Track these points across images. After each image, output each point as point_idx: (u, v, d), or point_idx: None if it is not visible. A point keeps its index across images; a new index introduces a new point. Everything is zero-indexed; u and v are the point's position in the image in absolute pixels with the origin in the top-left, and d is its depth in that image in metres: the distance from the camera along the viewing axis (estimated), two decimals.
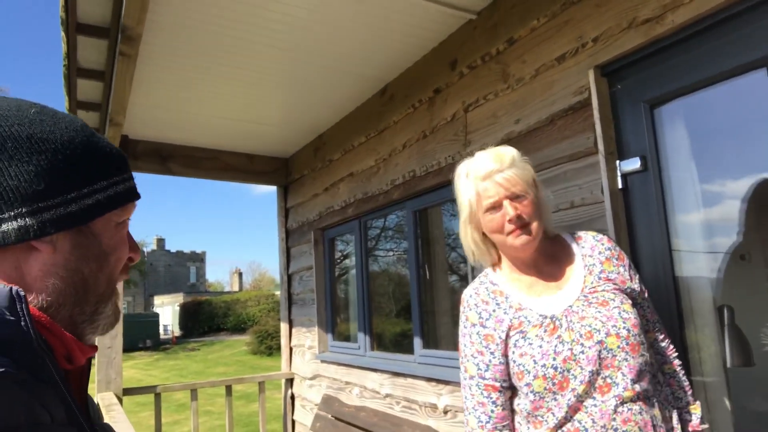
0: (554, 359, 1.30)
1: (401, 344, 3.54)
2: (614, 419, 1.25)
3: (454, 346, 2.36)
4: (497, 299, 1.45)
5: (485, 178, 1.41)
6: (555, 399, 1.30)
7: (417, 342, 3.13)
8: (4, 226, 0.64)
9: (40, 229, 0.66)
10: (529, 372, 1.32)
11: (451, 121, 2.72)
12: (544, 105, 2.16)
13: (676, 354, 1.50)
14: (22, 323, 0.61)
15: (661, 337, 1.50)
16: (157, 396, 4.13)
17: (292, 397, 4.69)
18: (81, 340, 0.71)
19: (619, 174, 1.90)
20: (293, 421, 4.65)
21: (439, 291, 3.23)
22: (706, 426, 1.45)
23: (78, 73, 3.06)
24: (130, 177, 0.77)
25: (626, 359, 1.29)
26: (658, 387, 1.38)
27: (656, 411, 1.31)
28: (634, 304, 1.41)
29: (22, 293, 0.61)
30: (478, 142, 2.51)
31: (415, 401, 3.00)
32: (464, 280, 3.15)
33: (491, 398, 1.39)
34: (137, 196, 0.77)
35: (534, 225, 1.40)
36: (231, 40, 2.74)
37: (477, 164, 1.45)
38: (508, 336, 1.39)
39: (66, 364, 0.68)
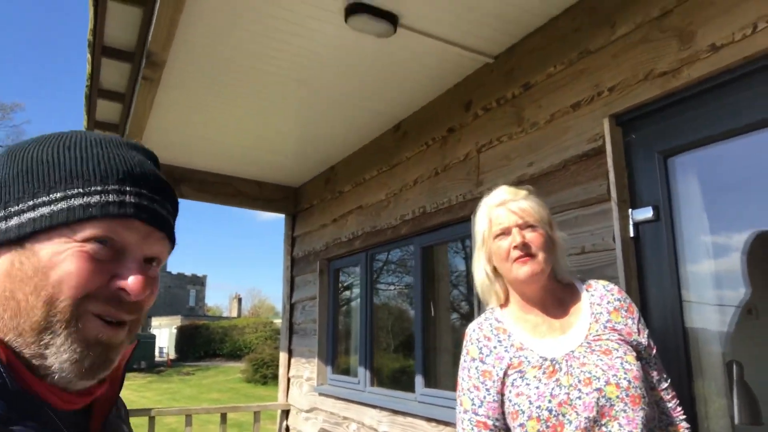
0: (550, 402, 1.28)
1: (401, 381, 3.49)
2: None
3: (455, 386, 2.32)
4: (500, 336, 1.44)
5: (499, 206, 1.46)
6: None
7: (418, 380, 3.09)
8: None
9: None
10: (523, 412, 1.31)
11: (463, 161, 2.75)
12: (558, 150, 2.18)
13: (684, 417, 1.46)
14: (5, 374, 0.57)
15: (669, 396, 1.46)
16: (151, 419, 4.07)
17: (287, 429, 4.61)
18: (52, 383, 0.62)
19: (631, 222, 1.91)
20: None
21: (442, 329, 3.21)
22: None
23: (99, 93, 3.13)
24: (103, 191, 0.64)
25: (625, 410, 1.26)
26: None
27: None
28: (640, 358, 1.39)
29: None
30: (489, 183, 2.53)
31: None
32: (467, 319, 3.13)
33: None
34: (124, 214, 0.64)
35: (540, 257, 1.40)
36: (250, 69, 2.79)
37: (493, 194, 1.51)
38: (506, 374, 1.37)
39: (61, 404, 0.63)
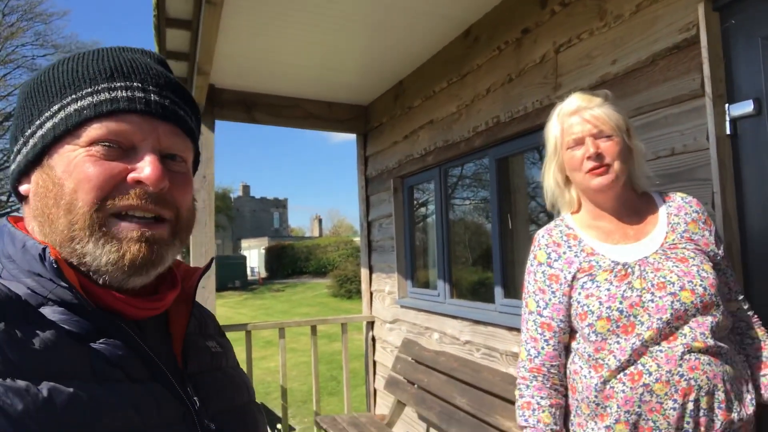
0: (621, 303, 1.30)
1: (480, 293, 3.53)
2: (680, 365, 1.23)
3: None
4: (569, 242, 1.45)
5: (572, 114, 1.42)
6: (618, 342, 1.29)
7: (498, 291, 3.11)
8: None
9: (17, 175, 0.67)
10: (593, 313, 1.33)
11: (539, 63, 2.58)
12: (645, 44, 1.99)
13: (761, 323, 1.45)
14: (72, 290, 0.59)
15: (746, 306, 1.45)
16: (248, 333, 4.40)
17: (373, 339, 4.85)
18: (120, 286, 0.65)
19: (728, 118, 1.74)
20: (374, 362, 4.82)
21: (519, 241, 3.17)
22: None
23: (167, 23, 3.16)
24: (95, 92, 0.64)
25: (697, 316, 1.26)
26: (735, 352, 1.33)
27: (729, 368, 1.27)
28: (715, 268, 1.36)
29: (56, 265, 0.59)
30: (569, 85, 2.37)
31: (496, 349, 3.01)
32: None
33: (544, 336, 1.43)
34: (123, 108, 0.64)
35: (615, 166, 1.37)
36: None
37: (567, 102, 1.46)
38: (575, 278, 1.39)
39: (134, 312, 0.66)
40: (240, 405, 0.78)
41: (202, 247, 4.20)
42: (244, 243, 49.76)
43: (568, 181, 1.50)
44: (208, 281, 4.23)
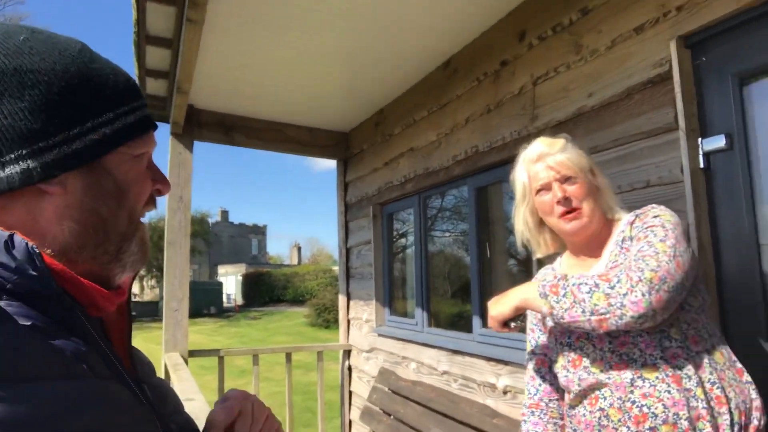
0: (569, 337, 1.37)
1: (458, 324, 3.51)
2: (631, 392, 1.23)
3: None
4: None
5: (536, 161, 1.47)
6: (575, 373, 1.34)
7: (476, 321, 3.09)
8: (7, 170, 0.59)
9: (44, 171, 0.60)
10: (553, 350, 1.43)
11: (518, 95, 2.62)
12: (620, 78, 2.04)
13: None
14: (45, 278, 0.58)
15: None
16: (221, 359, 4.29)
17: (350, 369, 4.77)
18: (109, 281, 0.68)
19: (701, 152, 1.77)
20: (350, 392, 4.74)
21: (497, 271, 3.17)
22: None
23: (147, 40, 3.15)
24: (142, 105, 0.70)
25: (641, 335, 1.25)
26: (702, 371, 1.24)
27: (697, 391, 1.19)
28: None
29: (37, 250, 0.58)
30: (546, 117, 2.41)
31: (473, 380, 2.98)
32: (523, 264, 3.07)
33: (540, 372, 1.52)
34: (153, 126, 0.71)
35: (585, 207, 1.41)
36: (295, 8, 2.72)
37: (529, 149, 1.51)
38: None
39: (95, 311, 0.65)
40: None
41: (176, 269, 4.12)
42: (221, 269, 49.10)
43: (541, 223, 1.55)
44: (182, 304, 4.13)
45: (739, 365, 1.30)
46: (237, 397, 0.77)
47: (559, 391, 1.48)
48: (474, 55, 2.97)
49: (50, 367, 0.54)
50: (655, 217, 1.33)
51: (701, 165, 1.77)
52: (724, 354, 1.29)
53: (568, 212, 1.41)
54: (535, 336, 1.55)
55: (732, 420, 1.20)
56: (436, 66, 3.34)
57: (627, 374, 1.24)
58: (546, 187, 1.44)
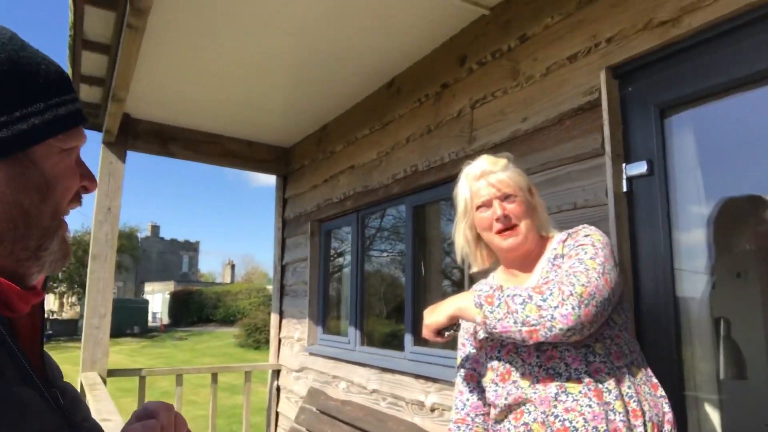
0: (499, 351, 1.39)
1: (391, 344, 3.51)
2: (555, 406, 1.25)
3: (444, 345, 2.33)
4: None
5: (479, 178, 1.51)
6: (503, 387, 1.36)
7: (408, 339, 3.10)
8: None
9: None
10: (482, 364, 1.45)
11: (456, 117, 2.70)
12: (553, 104, 2.13)
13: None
14: None
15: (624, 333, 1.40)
16: (142, 379, 4.09)
17: (278, 389, 4.65)
18: (24, 280, 0.65)
19: (624, 177, 1.88)
20: (277, 413, 4.61)
21: (432, 290, 3.21)
22: None
23: (84, 45, 3.03)
24: (73, 99, 0.68)
25: (568, 350, 1.29)
26: (626, 381, 1.29)
27: (615, 404, 1.23)
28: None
29: None
30: (483, 139, 2.49)
31: (402, 398, 2.97)
32: (457, 285, 3.12)
33: (468, 387, 1.52)
34: (84, 120, 0.70)
35: (522, 226, 1.46)
36: (238, 19, 2.70)
37: (473, 166, 1.55)
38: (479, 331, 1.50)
39: (6, 311, 0.62)
40: (90, 419, 0.75)
41: (100, 282, 3.92)
42: (148, 286, 47.07)
43: (478, 238, 1.58)
44: (103, 321, 3.92)
45: (654, 380, 1.36)
46: (158, 410, 0.71)
47: (486, 405, 1.47)
48: (417, 77, 3.03)
49: None
50: (586, 236, 1.39)
51: (624, 189, 1.87)
52: (642, 369, 1.35)
53: (505, 229, 1.45)
54: (466, 350, 1.55)
55: None
56: (380, 85, 3.39)
57: (552, 388, 1.26)
58: (486, 204, 1.47)
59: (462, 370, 1.55)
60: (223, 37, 2.90)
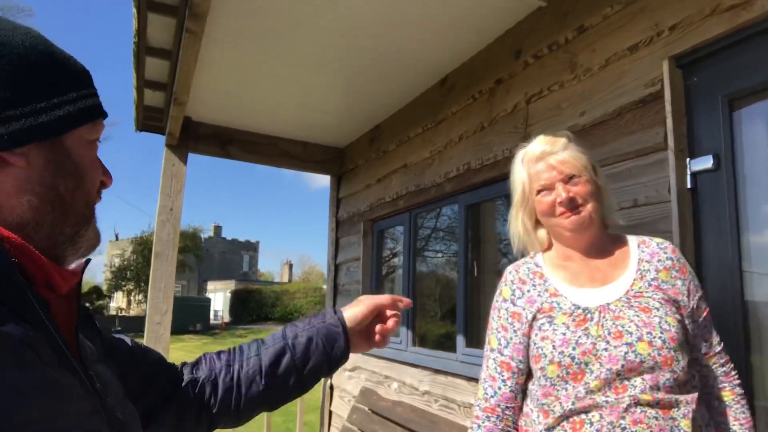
0: (574, 349, 1.25)
1: (443, 345, 3.46)
2: (623, 417, 1.17)
3: None
4: (535, 280, 1.42)
5: (538, 160, 1.41)
6: (565, 389, 1.25)
7: (460, 340, 3.05)
8: None
9: (10, 139, 0.61)
10: (545, 356, 1.29)
11: (511, 113, 2.63)
12: (613, 97, 2.04)
13: (738, 382, 1.37)
14: (1, 252, 0.56)
15: (722, 361, 1.37)
16: None
17: (331, 388, 4.69)
18: (60, 263, 0.67)
19: (689, 172, 1.77)
20: (330, 412, 4.65)
21: (486, 291, 3.14)
22: None
23: (147, 51, 3.16)
24: (96, 93, 0.72)
25: (653, 369, 1.20)
26: (690, 405, 1.23)
27: (685, 422, 1.18)
28: (689, 321, 1.31)
29: None
30: (538, 135, 2.41)
31: (454, 400, 2.92)
32: None
33: (502, 376, 1.39)
34: (104, 114, 0.72)
35: (588, 207, 1.35)
36: (293, 23, 2.75)
37: (531, 147, 1.45)
38: (535, 318, 1.35)
39: (46, 292, 0.64)
40: (125, 400, 0.76)
41: (162, 280, 4.06)
42: (210, 285, 48.71)
43: (537, 223, 1.48)
44: (165, 317, 4.06)
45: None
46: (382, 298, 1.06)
47: (517, 398, 1.38)
48: (470, 73, 2.99)
49: None
50: (688, 268, 1.38)
51: (688, 185, 1.77)
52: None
53: (568, 210, 1.35)
54: (507, 335, 1.40)
55: None
56: (433, 83, 3.36)
57: (625, 399, 1.19)
58: (548, 187, 1.38)
59: (498, 356, 1.40)
60: (279, 41, 2.95)
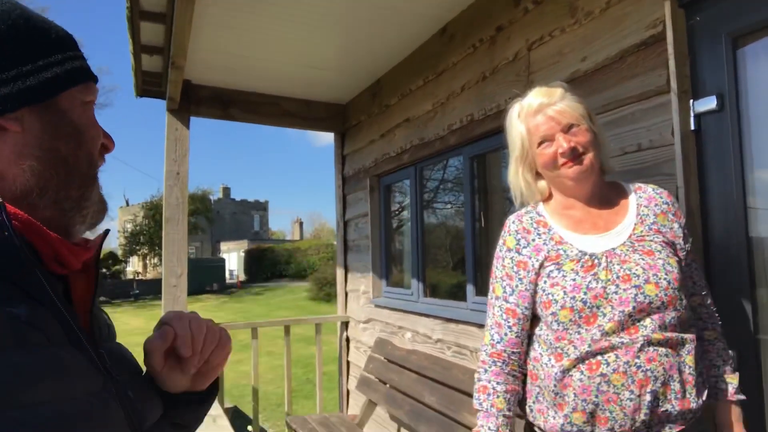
0: (585, 294, 1.29)
1: (454, 294, 3.53)
2: (638, 357, 1.24)
3: None
4: (539, 229, 1.45)
5: (537, 113, 1.43)
6: (579, 332, 1.30)
7: (470, 289, 3.11)
8: None
9: (1, 105, 0.60)
10: (557, 302, 1.33)
11: (512, 61, 2.60)
12: (614, 40, 2.01)
13: (720, 322, 1.46)
14: (6, 232, 0.56)
15: (708, 302, 1.46)
16: None
17: (347, 340, 4.82)
18: (69, 233, 0.67)
19: (692, 114, 1.76)
20: (348, 362, 4.79)
21: (493, 240, 3.15)
22: (742, 397, 1.40)
23: (141, 15, 3.11)
24: (82, 57, 0.71)
25: (659, 309, 1.27)
26: (692, 344, 1.32)
27: (689, 358, 1.28)
28: (681, 263, 1.37)
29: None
30: (540, 82, 2.36)
31: (466, 347, 3.01)
32: None
33: (508, 322, 1.43)
34: (94, 77, 0.72)
35: (589, 156, 1.38)
36: None
37: (527, 101, 1.47)
38: (542, 266, 1.39)
39: (58, 268, 0.64)
40: (139, 377, 0.76)
41: (174, 243, 4.13)
42: (223, 246, 49.27)
43: (537, 176, 1.51)
44: (180, 281, 4.16)
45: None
46: (171, 320, 0.73)
47: (523, 343, 1.43)
48: (470, 21, 2.93)
49: (2, 336, 0.52)
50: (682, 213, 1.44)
51: (692, 127, 1.76)
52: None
53: (570, 160, 1.38)
54: (512, 284, 1.43)
55: (706, 386, 1.35)
56: (433, 33, 3.30)
57: (638, 339, 1.25)
58: (548, 138, 1.40)
59: (503, 303, 1.44)
60: None
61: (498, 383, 1.40)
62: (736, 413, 1.38)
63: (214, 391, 0.81)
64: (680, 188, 1.75)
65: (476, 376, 1.46)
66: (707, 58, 1.73)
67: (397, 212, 4.48)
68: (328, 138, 4.97)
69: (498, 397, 1.39)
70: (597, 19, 2.10)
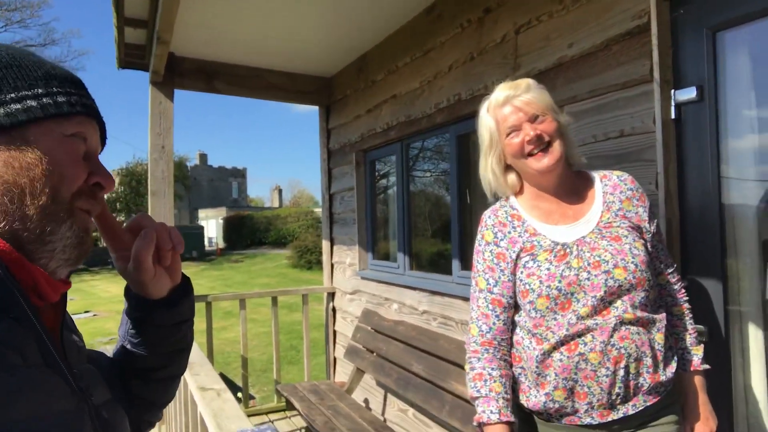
0: (559, 282, 1.39)
1: (438, 264, 3.64)
2: (612, 336, 1.35)
3: None
4: (514, 222, 1.54)
5: (503, 105, 1.50)
6: (555, 318, 1.40)
7: (455, 264, 3.22)
8: None
9: None
10: (533, 291, 1.42)
11: (500, 43, 2.65)
12: (601, 29, 2.08)
13: (686, 298, 1.58)
14: None
15: (674, 279, 1.58)
16: (208, 305, 4.41)
17: (334, 310, 4.94)
18: (50, 272, 0.67)
19: (673, 103, 1.85)
20: (335, 332, 4.92)
21: (477, 215, 3.26)
22: (706, 366, 1.53)
23: None
24: (84, 95, 0.71)
25: (629, 290, 1.38)
26: (662, 321, 1.44)
27: (659, 335, 1.40)
28: (647, 245, 1.48)
29: None
30: (527, 66, 2.45)
31: (452, 318, 3.14)
32: None
33: (495, 312, 1.50)
34: (94, 115, 0.72)
35: (555, 145, 1.46)
36: None
37: (494, 95, 1.54)
38: (518, 257, 1.48)
39: (36, 299, 0.65)
40: (111, 400, 0.78)
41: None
42: (201, 213, 48.93)
43: (507, 168, 1.58)
44: None
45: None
46: (141, 221, 0.80)
47: (509, 330, 1.51)
48: (458, 1, 2.95)
49: None
50: (646, 197, 1.54)
51: (672, 116, 1.85)
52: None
53: (539, 150, 1.45)
54: (495, 276, 1.50)
55: (675, 360, 1.48)
56: (420, 11, 3.31)
57: (611, 320, 1.36)
58: (516, 128, 1.47)
59: (488, 294, 1.50)
60: None
61: (493, 369, 1.47)
62: (700, 382, 1.52)
63: (187, 278, 0.89)
64: (660, 174, 1.85)
65: (468, 366, 1.52)
66: (689, 50, 1.82)
67: (378, 178, 4.53)
68: (306, 105, 4.95)
69: (495, 381, 1.46)
70: (584, 7, 2.16)
